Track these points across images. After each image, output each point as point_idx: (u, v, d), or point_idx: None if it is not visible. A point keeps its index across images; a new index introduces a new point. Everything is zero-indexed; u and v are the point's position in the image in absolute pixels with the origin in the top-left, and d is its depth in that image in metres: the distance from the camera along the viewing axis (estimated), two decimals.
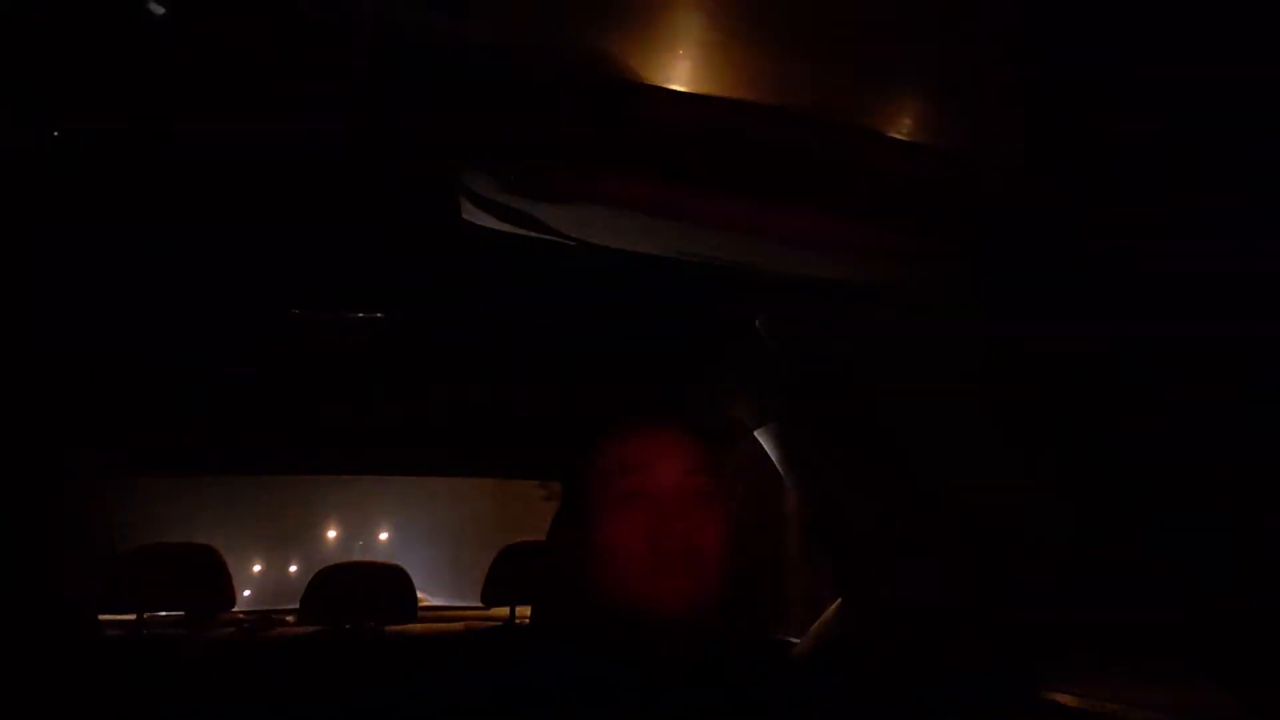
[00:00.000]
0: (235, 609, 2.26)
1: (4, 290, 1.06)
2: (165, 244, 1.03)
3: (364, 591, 2.15)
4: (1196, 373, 0.71)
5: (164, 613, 2.15)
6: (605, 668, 0.81)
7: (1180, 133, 0.59)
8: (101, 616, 1.93)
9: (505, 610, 2.26)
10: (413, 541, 21.51)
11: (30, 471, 1.48)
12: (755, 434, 1.59)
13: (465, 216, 0.75)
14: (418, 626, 2.24)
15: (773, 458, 1.58)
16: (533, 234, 0.77)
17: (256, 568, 20.65)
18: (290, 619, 2.35)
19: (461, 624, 2.44)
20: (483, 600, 2.23)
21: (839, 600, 1.58)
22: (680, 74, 0.57)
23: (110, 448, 1.75)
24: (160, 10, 0.51)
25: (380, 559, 2.65)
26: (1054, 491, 1.00)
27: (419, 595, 2.33)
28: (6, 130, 0.69)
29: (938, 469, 1.21)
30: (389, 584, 2.19)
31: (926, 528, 1.26)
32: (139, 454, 1.92)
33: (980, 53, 0.58)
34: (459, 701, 0.79)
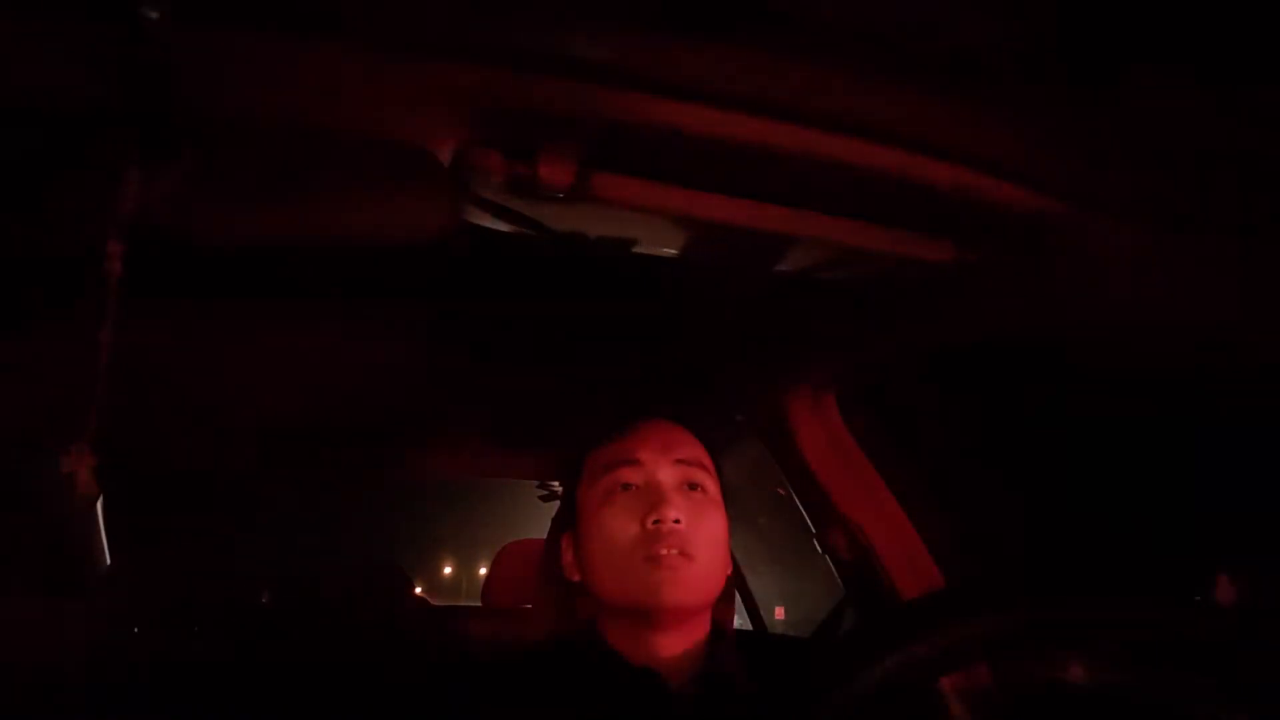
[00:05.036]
0: None
1: None
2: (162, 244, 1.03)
3: (363, 591, 2.15)
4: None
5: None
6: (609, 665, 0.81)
7: None
8: None
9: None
10: None
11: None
12: (755, 434, 1.59)
13: (466, 217, 0.75)
14: None
15: (772, 457, 1.58)
16: (533, 234, 0.77)
17: None
18: None
19: None
20: (482, 600, 2.23)
21: (840, 599, 1.58)
22: (685, 78, 0.57)
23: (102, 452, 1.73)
24: (157, 14, 0.51)
25: None
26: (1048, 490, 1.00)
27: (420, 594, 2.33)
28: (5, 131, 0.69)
29: (940, 468, 1.21)
30: (388, 584, 2.19)
31: (927, 526, 1.26)
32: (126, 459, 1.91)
33: (981, 54, 0.58)
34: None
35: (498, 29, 0.54)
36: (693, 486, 0.83)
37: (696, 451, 0.86)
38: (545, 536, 0.97)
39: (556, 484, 2.27)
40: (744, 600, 2.39)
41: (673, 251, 0.82)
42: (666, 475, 0.82)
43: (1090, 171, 0.66)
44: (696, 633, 0.82)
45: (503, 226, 0.75)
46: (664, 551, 0.77)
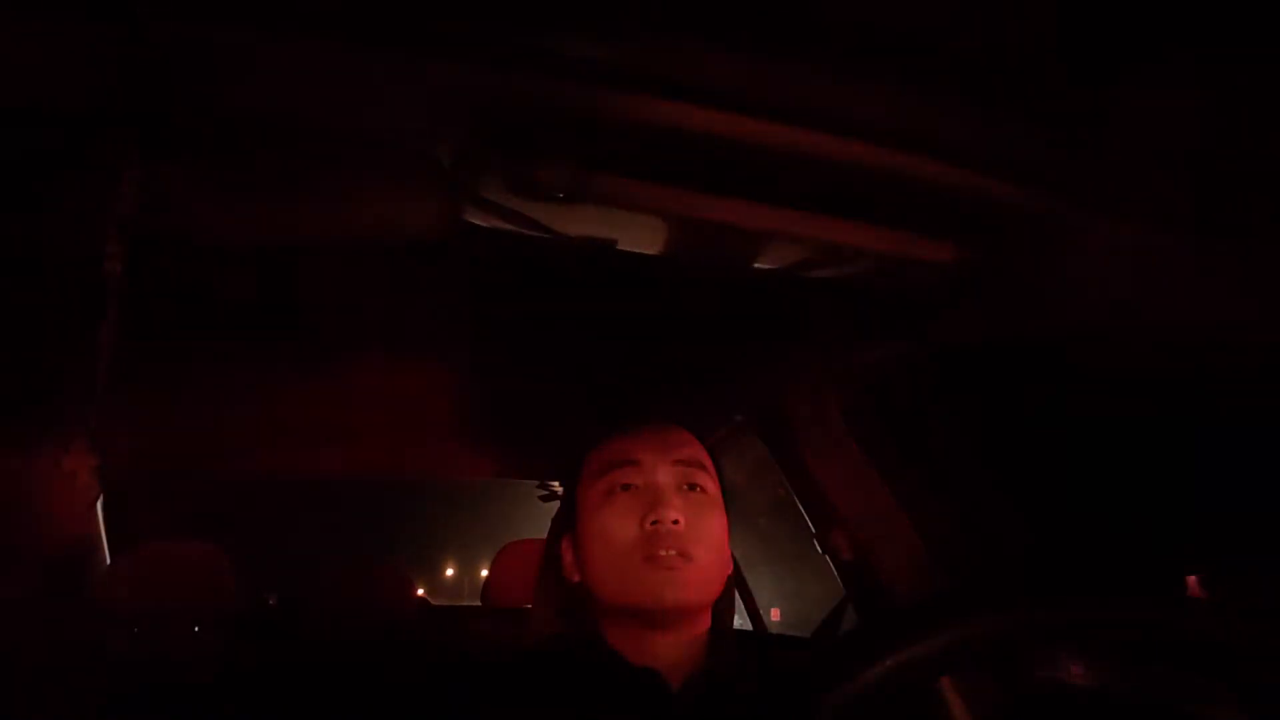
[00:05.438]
0: None
1: None
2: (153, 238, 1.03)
3: (364, 592, 2.15)
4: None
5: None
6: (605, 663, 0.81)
7: None
8: None
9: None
10: None
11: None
12: (755, 434, 1.59)
13: (466, 217, 0.75)
14: None
15: (772, 457, 1.58)
16: (533, 234, 0.77)
17: None
18: None
19: None
20: (482, 600, 2.23)
21: (840, 599, 1.58)
22: (685, 78, 0.57)
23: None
24: (157, 14, 0.51)
25: None
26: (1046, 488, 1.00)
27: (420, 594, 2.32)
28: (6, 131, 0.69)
29: (940, 468, 1.21)
30: (389, 585, 2.19)
31: (927, 526, 1.26)
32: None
33: (981, 54, 0.58)
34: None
35: (497, 29, 0.54)
36: (692, 487, 0.83)
37: (696, 452, 0.86)
38: (545, 536, 0.97)
39: (556, 484, 2.27)
40: (744, 600, 2.39)
41: (672, 251, 0.82)
42: (666, 476, 0.82)
43: (1090, 171, 0.66)
44: (696, 633, 0.82)
45: (503, 226, 0.75)
46: (663, 552, 0.77)
